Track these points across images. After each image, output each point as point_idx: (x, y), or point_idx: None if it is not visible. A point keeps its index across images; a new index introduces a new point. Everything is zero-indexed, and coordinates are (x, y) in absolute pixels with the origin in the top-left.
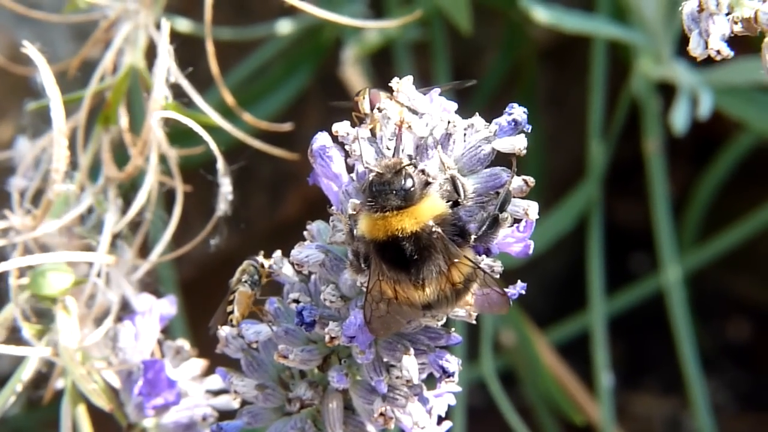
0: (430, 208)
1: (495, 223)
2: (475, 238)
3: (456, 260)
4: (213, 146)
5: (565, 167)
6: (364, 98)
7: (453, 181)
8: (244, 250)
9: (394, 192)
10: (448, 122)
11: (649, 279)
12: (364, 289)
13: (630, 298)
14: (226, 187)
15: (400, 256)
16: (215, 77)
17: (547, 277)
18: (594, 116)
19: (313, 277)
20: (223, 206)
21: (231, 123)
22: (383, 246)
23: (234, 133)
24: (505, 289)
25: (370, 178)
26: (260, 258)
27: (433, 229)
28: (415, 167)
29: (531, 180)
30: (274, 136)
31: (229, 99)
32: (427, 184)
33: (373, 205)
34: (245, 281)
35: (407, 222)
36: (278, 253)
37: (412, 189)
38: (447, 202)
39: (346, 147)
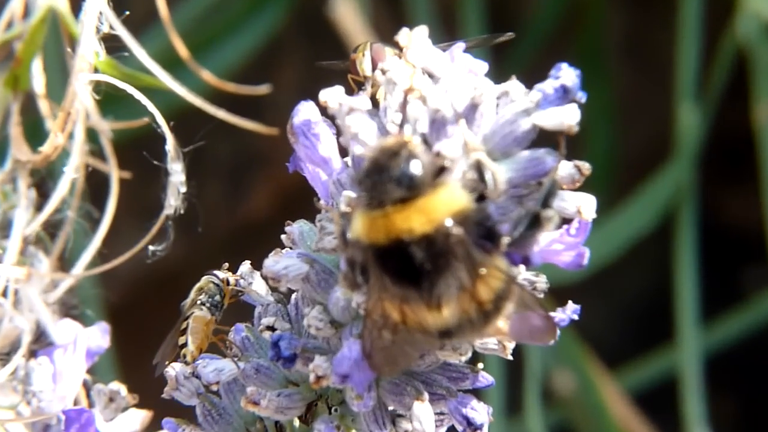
0: (447, 202)
1: (536, 224)
2: (509, 243)
3: (483, 272)
4: (160, 119)
5: (644, 144)
6: (363, 56)
7: (479, 166)
8: (196, 260)
9: (396, 179)
10: (475, 89)
11: (764, 301)
12: (363, 312)
13: (737, 328)
14: (177, 175)
15: (408, 266)
16: (163, 19)
17: (620, 298)
18: (685, 72)
19: (293, 296)
20: (173, 201)
21: (179, 82)
22: (385, 253)
23: (188, 99)
24: (552, 313)
25: (366, 163)
26: (223, 272)
27: (452, 231)
28: (427, 146)
29: (586, 167)
30: (234, 100)
31: (181, 50)
32: (443, 170)
33: (370, 198)
34: (202, 303)
35: (416, 220)
36: (246, 264)
37: (420, 175)
38: (471, 194)
39: (338, 121)
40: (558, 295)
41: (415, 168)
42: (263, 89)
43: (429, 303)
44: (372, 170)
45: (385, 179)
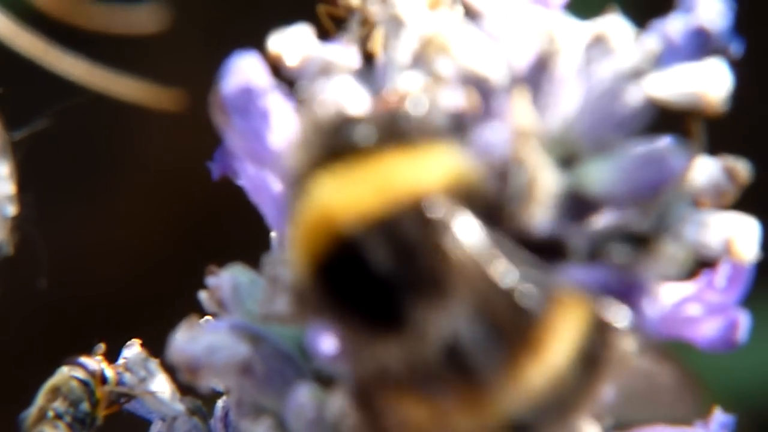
0: (443, 162)
1: (649, 265)
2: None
3: (534, 303)
4: None
5: None
6: None
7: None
8: (35, 336)
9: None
10: (546, 34)
11: None
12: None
13: None
14: (3, 185)
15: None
16: None
17: None
18: None
19: (220, 401)
20: None
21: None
22: (334, 267)
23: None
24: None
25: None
26: (93, 359)
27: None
28: (459, 133)
29: (742, 170)
30: (91, 43)
31: None
32: (461, 129)
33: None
34: (58, 417)
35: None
36: (135, 346)
37: (414, 117)
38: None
39: (303, 87)
40: None
41: (417, 109)
42: (144, 24)
43: (466, 378)
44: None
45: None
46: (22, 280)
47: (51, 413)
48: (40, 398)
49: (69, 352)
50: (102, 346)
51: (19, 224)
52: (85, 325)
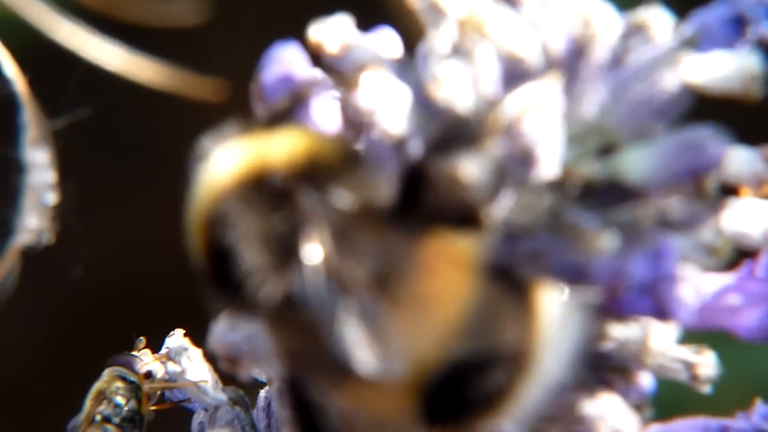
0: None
1: (694, 252)
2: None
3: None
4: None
5: None
6: None
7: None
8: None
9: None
10: (584, 21)
11: None
12: None
13: None
14: (42, 174)
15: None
16: None
17: None
18: None
19: (263, 392)
20: (33, 222)
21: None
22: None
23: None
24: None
25: None
26: (137, 353)
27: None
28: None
29: None
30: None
31: None
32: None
33: None
34: (106, 420)
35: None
36: (177, 336)
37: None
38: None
39: (341, 79)
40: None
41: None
42: (188, 15)
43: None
44: None
45: None
46: (62, 270)
47: (99, 417)
48: (87, 404)
49: (112, 348)
50: (143, 340)
51: (60, 213)
52: (126, 318)
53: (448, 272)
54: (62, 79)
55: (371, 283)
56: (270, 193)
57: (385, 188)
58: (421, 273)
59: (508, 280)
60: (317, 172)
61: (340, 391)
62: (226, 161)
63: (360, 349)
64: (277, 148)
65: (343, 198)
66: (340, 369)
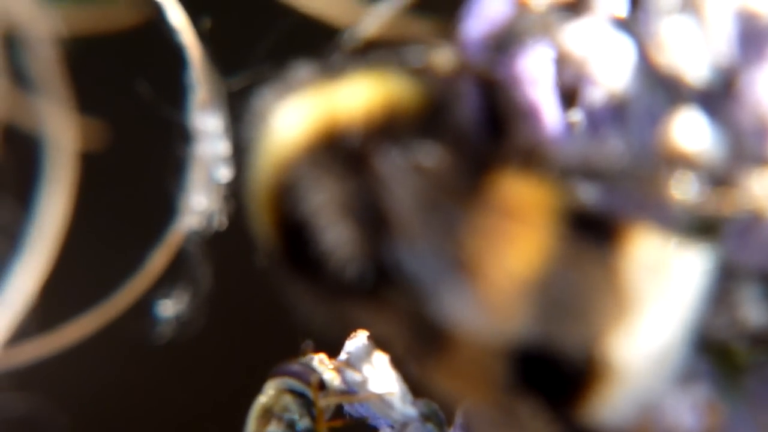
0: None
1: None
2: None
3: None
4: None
5: None
6: None
7: None
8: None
9: None
10: None
11: None
12: None
13: None
14: (213, 144)
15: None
16: None
17: None
18: None
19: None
20: (203, 203)
21: None
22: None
23: None
24: None
25: None
26: (309, 359)
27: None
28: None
29: None
30: None
31: None
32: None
33: None
34: None
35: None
36: (361, 338)
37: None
38: None
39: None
40: None
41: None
42: None
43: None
44: None
45: None
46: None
47: None
48: (251, 424)
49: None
50: (310, 344)
51: (235, 192)
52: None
53: (532, 221)
54: (241, 29)
55: (457, 241)
56: (346, 154)
57: (471, 129)
58: (505, 223)
59: (598, 229)
60: (398, 124)
61: (440, 368)
62: (290, 121)
63: (465, 306)
64: (350, 100)
65: (429, 153)
66: (436, 342)
